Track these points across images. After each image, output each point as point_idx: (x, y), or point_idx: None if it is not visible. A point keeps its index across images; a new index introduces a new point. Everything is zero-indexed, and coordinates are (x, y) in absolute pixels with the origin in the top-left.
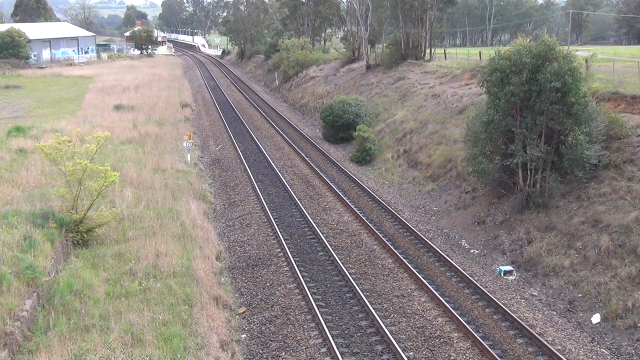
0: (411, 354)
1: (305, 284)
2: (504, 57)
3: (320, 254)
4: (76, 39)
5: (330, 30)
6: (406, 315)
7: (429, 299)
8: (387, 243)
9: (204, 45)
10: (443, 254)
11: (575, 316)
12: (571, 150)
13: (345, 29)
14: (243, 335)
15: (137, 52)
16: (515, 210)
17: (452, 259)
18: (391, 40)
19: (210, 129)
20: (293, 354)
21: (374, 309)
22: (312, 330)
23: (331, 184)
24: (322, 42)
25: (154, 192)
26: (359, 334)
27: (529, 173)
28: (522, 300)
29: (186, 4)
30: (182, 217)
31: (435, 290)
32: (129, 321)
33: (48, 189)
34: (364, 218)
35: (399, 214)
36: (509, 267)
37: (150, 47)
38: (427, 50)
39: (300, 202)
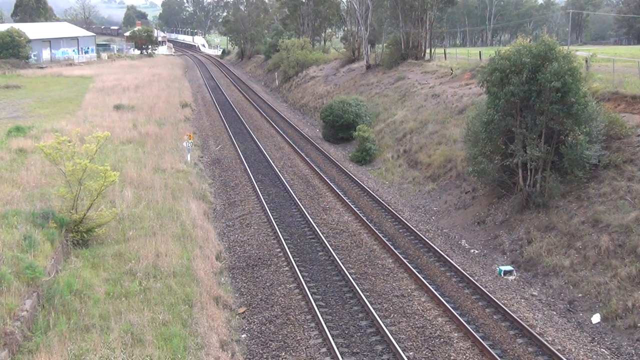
0: (411, 354)
1: (305, 284)
2: (504, 57)
3: (320, 253)
4: (76, 39)
5: (330, 30)
6: (406, 315)
7: (429, 299)
8: (387, 243)
9: (204, 45)
10: (443, 254)
11: (575, 316)
12: (571, 150)
13: (345, 29)
14: (243, 335)
15: (137, 52)
16: (515, 210)
17: (452, 259)
18: (391, 40)
19: (210, 128)
20: (293, 354)
21: (374, 308)
22: (312, 330)
23: (331, 183)
24: (322, 42)
25: (154, 192)
26: (359, 334)
27: (529, 173)
28: (522, 300)
29: (186, 4)
30: (182, 217)
31: (435, 290)
32: (129, 321)
33: (48, 189)
34: (364, 218)
35: (399, 214)
36: (509, 267)
37: (150, 47)
38: (427, 50)
39: (300, 202)
